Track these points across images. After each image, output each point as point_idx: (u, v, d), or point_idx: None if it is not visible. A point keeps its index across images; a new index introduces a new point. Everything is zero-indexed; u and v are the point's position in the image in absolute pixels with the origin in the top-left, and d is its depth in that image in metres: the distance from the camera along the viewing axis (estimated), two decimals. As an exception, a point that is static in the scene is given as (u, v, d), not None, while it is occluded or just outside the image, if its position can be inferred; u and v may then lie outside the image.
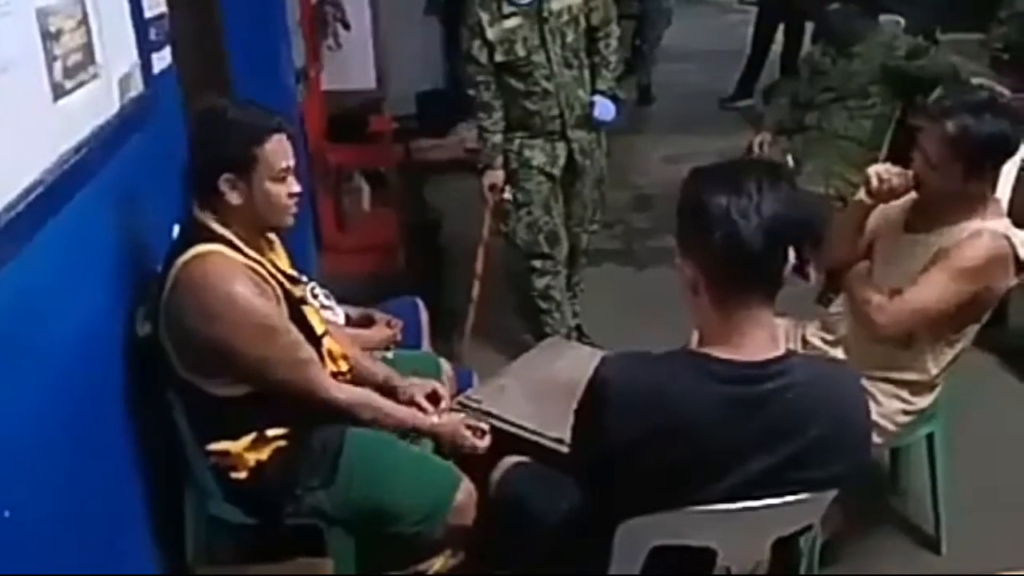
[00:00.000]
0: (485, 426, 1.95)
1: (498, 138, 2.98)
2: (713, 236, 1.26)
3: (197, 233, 1.67)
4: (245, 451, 1.72)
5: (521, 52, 2.85)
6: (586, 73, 2.97)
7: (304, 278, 2.06)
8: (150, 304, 1.68)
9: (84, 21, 1.47)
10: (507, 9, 2.81)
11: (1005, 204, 2.72)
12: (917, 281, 1.96)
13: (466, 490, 1.85)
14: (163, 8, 1.97)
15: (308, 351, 1.76)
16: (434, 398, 1.99)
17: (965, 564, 2.31)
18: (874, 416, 1.82)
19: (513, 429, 2.04)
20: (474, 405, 2.13)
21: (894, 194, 2.07)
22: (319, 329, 1.87)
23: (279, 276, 1.78)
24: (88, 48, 1.48)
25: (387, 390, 1.96)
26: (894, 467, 2.56)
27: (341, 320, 2.29)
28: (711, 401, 1.30)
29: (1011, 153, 1.99)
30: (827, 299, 2.42)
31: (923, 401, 2.13)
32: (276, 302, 1.71)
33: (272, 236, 1.85)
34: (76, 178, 1.39)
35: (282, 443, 1.74)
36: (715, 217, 1.26)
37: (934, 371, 2.09)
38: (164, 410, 1.72)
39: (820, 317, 2.31)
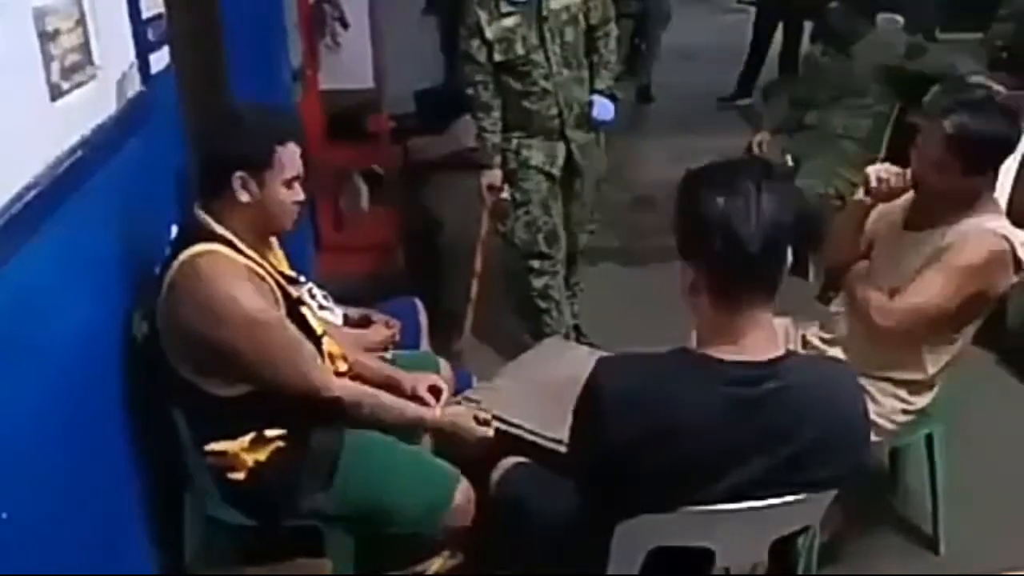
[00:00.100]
0: (489, 415, 1.95)
1: (496, 138, 2.97)
2: (712, 239, 1.26)
3: (197, 232, 1.67)
4: (244, 451, 1.72)
5: (520, 51, 2.84)
6: (585, 72, 2.96)
7: (302, 279, 2.06)
8: (151, 303, 1.68)
9: (81, 21, 1.47)
10: (505, 8, 2.81)
11: (1004, 201, 2.73)
12: (916, 280, 1.96)
13: (464, 490, 1.86)
14: (161, 8, 1.97)
15: (309, 349, 1.76)
16: (435, 391, 1.99)
17: (964, 564, 2.31)
18: (873, 415, 1.82)
19: (512, 429, 2.04)
20: (473, 405, 2.13)
21: (893, 193, 2.07)
22: (318, 330, 1.87)
23: (277, 277, 1.78)
24: (86, 48, 1.48)
25: (389, 388, 1.96)
26: (893, 467, 2.56)
27: (339, 321, 2.28)
28: (710, 402, 1.30)
29: (1008, 151, 1.99)
30: (827, 298, 2.42)
31: (922, 400, 2.13)
32: (275, 302, 1.71)
33: (271, 238, 1.85)
34: (74, 179, 1.39)
35: (281, 444, 1.74)
36: (713, 220, 1.26)
37: (932, 370, 2.09)
38: (162, 411, 1.71)
39: (820, 317, 2.31)
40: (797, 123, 3.93)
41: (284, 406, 1.73)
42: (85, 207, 1.46)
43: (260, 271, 1.70)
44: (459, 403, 2.08)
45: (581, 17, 2.88)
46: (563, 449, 1.68)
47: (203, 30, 2.52)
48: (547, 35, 2.84)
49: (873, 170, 2.08)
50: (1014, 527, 2.39)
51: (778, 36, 6.56)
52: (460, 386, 2.29)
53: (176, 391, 1.70)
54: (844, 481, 1.39)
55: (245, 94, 2.53)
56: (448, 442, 1.97)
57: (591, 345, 2.89)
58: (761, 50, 6.63)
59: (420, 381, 1.99)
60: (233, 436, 1.71)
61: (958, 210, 1.96)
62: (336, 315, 2.29)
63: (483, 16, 2.82)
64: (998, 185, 2.07)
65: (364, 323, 2.31)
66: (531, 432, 2.03)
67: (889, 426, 2.12)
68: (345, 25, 4.43)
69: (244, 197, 1.67)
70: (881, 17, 3.86)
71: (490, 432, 1.92)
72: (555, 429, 1.88)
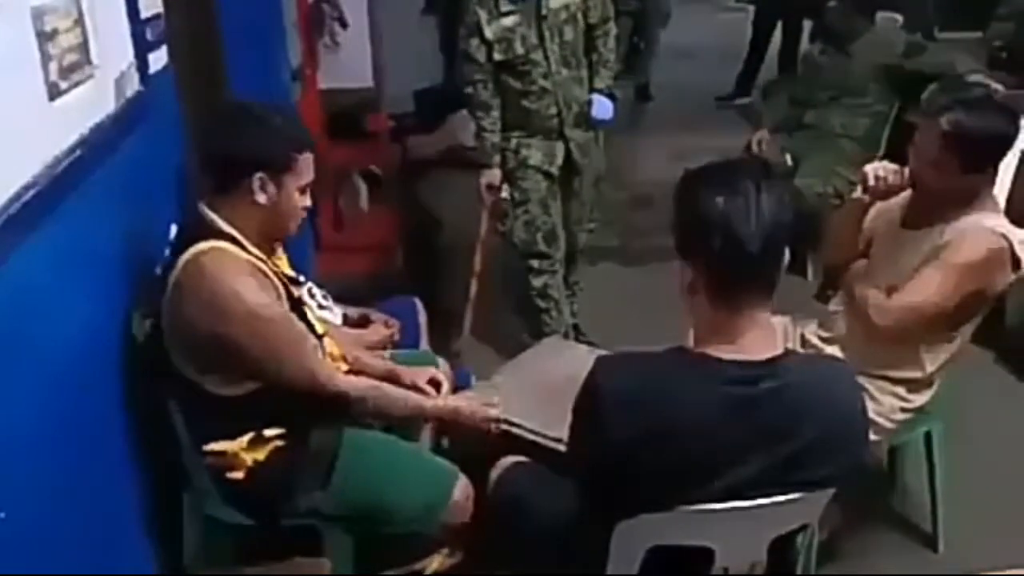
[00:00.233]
0: (495, 398, 1.96)
1: (496, 137, 2.97)
2: (711, 240, 1.26)
3: (201, 230, 1.67)
4: (243, 451, 1.72)
5: (519, 50, 2.84)
6: (584, 71, 2.96)
7: (302, 278, 2.06)
8: (151, 302, 1.68)
9: (80, 21, 1.46)
10: (505, 7, 2.81)
11: (1004, 198, 2.73)
12: (914, 278, 1.96)
13: (463, 487, 1.86)
14: (159, 8, 1.97)
15: (313, 344, 1.78)
16: (435, 384, 1.99)
17: (962, 562, 2.31)
18: (871, 414, 1.82)
19: (511, 428, 2.04)
20: (482, 394, 2.13)
21: (890, 191, 2.07)
22: (319, 330, 1.87)
23: (281, 276, 1.78)
24: (84, 48, 1.48)
25: (388, 382, 1.96)
26: (892, 465, 2.56)
27: (339, 320, 2.28)
28: (709, 401, 1.30)
29: (1005, 149, 1.99)
30: (826, 297, 2.42)
31: (920, 399, 2.14)
32: (279, 298, 1.71)
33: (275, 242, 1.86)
34: (72, 178, 1.39)
35: (279, 443, 1.74)
36: (712, 221, 1.26)
37: (931, 369, 2.09)
38: (161, 411, 1.71)
39: (818, 315, 2.32)
40: (796, 122, 3.93)
41: (285, 405, 1.73)
42: (83, 207, 1.46)
43: (265, 268, 1.71)
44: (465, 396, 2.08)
45: (580, 16, 2.88)
46: (562, 448, 1.68)
47: (202, 30, 2.51)
48: (546, 34, 2.84)
49: (871, 168, 2.08)
50: (1013, 525, 2.39)
51: (777, 35, 6.56)
52: (460, 385, 2.28)
53: (177, 390, 1.70)
54: (843, 480, 1.39)
55: (244, 94, 2.53)
56: (450, 432, 1.97)
57: (590, 344, 2.89)
58: (760, 49, 6.63)
59: (419, 375, 2.00)
60: (232, 436, 1.71)
61: (956, 208, 1.96)
62: (335, 315, 2.29)
63: (482, 15, 2.82)
64: (997, 181, 2.07)
65: (363, 323, 2.31)
66: (530, 431, 2.03)
67: (888, 424, 2.12)
68: (344, 24, 4.43)
69: (261, 198, 1.68)
70: (880, 16, 3.87)
71: (495, 412, 1.92)
72: (554, 428, 1.88)
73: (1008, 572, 2.25)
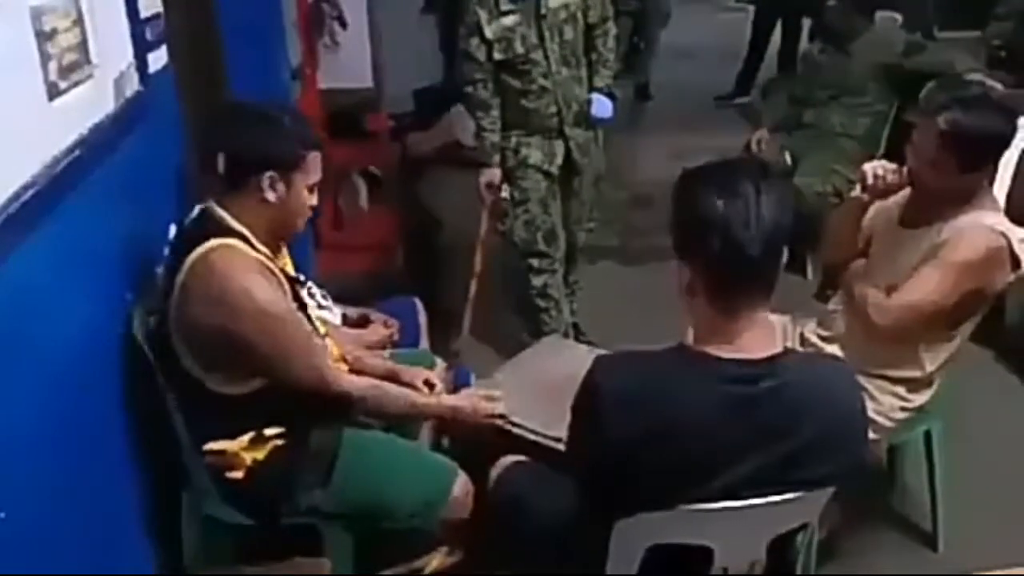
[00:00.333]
0: (497, 392, 1.96)
1: (495, 136, 2.97)
2: (710, 241, 1.25)
3: (210, 227, 1.67)
4: (242, 450, 1.72)
5: (519, 50, 2.84)
6: (584, 71, 2.96)
7: (302, 278, 2.07)
8: (151, 302, 1.68)
9: (79, 20, 1.47)
10: (505, 6, 2.81)
11: (1004, 196, 2.73)
12: (913, 277, 1.96)
13: (462, 484, 1.86)
14: (159, 7, 1.97)
15: (320, 343, 1.79)
16: (428, 385, 2.00)
17: (962, 561, 2.31)
18: (871, 413, 1.82)
19: (511, 427, 2.04)
20: (484, 391, 2.13)
21: (889, 190, 2.07)
22: (321, 330, 1.88)
23: (286, 276, 1.78)
24: (83, 47, 1.48)
25: (387, 380, 1.96)
26: (891, 464, 2.56)
27: (338, 320, 2.29)
28: (708, 400, 1.30)
29: (1003, 147, 1.99)
30: (825, 296, 2.42)
31: (920, 398, 2.14)
32: (285, 296, 1.72)
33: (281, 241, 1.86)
34: (71, 178, 1.39)
35: (279, 443, 1.74)
36: (712, 222, 1.25)
37: (930, 368, 2.09)
38: (161, 410, 1.71)
39: (818, 314, 2.32)
40: (796, 121, 3.93)
41: (286, 404, 1.73)
42: (83, 206, 1.46)
43: (271, 266, 1.71)
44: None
45: (580, 15, 2.88)
46: (562, 447, 1.68)
47: (201, 29, 2.52)
48: (546, 34, 2.84)
49: (869, 167, 2.08)
50: (1013, 525, 2.39)
51: (777, 34, 6.56)
52: (459, 384, 2.29)
53: (176, 390, 1.70)
54: (842, 479, 1.39)
55: (244, 93, 2.53)
56: (450, 430, 1.97)
57: (590, 343, 2.89)
58: (760, 48, 6.63)
59: (416, 376, 2.01)
60: (232, 435, 1.71)
61: (954, 207, 1.96)
62: (335, 314, 2.30)
63: (482, 15, 2.82)
64: (997, 179, 2.07)
65: (363, 323, 2.31)
66: (530, 430, 2.03)
67: (887, 423, 2.12)
68: (344, 24, 4.43)
69: (271, 196, 1.68)
70: (880, 15, 3.87)
71: (499, 408, 1.93)
72: (554, 427, 1.88)
73: (1008, 572, 2.25)
